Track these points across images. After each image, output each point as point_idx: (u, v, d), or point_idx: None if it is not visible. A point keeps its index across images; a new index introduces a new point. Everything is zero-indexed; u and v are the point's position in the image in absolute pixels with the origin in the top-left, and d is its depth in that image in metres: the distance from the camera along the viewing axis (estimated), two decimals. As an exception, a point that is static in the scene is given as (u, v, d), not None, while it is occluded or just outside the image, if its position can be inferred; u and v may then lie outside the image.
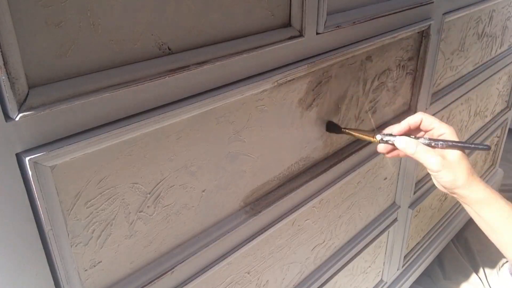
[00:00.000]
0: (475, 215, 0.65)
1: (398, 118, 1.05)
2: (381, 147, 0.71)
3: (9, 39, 0.38)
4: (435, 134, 0.66)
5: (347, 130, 0.79)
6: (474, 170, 0.63)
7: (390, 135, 0.69)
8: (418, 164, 1.25)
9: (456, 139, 0.64)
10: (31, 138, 0.43)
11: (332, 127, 0.81)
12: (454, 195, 0.65)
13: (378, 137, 0.70)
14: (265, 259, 0.81)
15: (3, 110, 0.40)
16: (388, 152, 0.71)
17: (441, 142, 0.64)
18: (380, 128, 0.73)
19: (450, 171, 0.62)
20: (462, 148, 0.63)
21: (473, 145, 0.65)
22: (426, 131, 0.68)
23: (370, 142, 0.74)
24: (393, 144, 0.68)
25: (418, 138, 0.66)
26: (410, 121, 0.67)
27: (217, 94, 0.58)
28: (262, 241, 0.78)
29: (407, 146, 0.65)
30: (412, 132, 0.69)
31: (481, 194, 0.62)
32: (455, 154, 0.63)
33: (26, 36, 0.40)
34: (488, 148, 0.64)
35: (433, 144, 0.64)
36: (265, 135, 0.70)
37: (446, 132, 0.64)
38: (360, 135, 0.76)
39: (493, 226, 0.62)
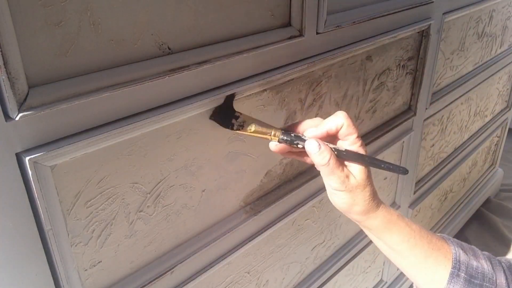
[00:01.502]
0: (376, 240, 0.60)
1: (398, 118, 1.05)
2: (273, 145, 0.58)
3: (9, 39, 0.38)
4: (349, 141, 0.56)
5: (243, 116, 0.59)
6: (376, 195, 0.57)
7: (297, 136, 0.56)
8: (418, 164, 1.25)
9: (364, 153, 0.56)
10: (31, 138, 0.43)
11: (224, 116, 0.60)
12: (351, 219, 0.59)
13: (281, 136, 0.57)
14: (265, 258, 0.81)
15: (3, 110, 0.40)
16: (284, 153, 0.59)
17: (353, 155, 0.55)
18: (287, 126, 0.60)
19: (350, 195, 0.55)
20: (375, 166, 0.56)
21: (387, 166, 0.56)
22: (339, 139, 0.57)
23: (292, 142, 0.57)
24: (297, 146, 0.56)
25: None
26: (330, 125, 0.55)
27: (217, 94, 0.58)
28: (262, 241, 0.78)
29: (321, 154, 0.54)
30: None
31: (379, 220, 0.57)
32: (360, 178, 0.55)
33: (26, 36, 0.40)
34: (404, 172, 0.55)
35: (343, 154, 0.55)
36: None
37: (357, 143, 0.56)
38: (257, 130, 0.58)
39: (396, 250, 0.57)
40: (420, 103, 1.10)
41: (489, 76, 1.49)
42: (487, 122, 1.70)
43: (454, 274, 0.53)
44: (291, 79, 0.70)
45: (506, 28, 1.50)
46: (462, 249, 0.56)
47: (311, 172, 0.83)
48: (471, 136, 1.59)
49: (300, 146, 0.56)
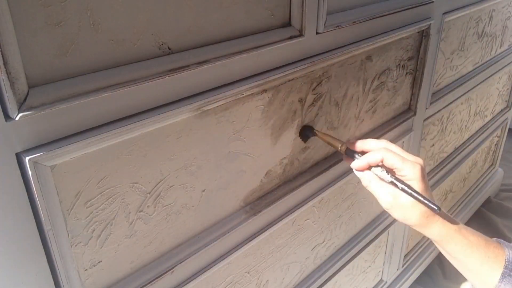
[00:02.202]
0: (439, 247, 0.65)
1: (398, 118, 1.05)
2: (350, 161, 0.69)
3: (9, 39, 0.38)
4: (397, 173, 0.64)
5: (319, 134, 0.76)
6: (430, 213, 0.62)
7: (353, 155, 0.68)
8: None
9: (419, 180, 0.62)
10: (31, 138, 0.43)
11: (305, 132, 0.77)
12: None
13: (343, 148, 0.70)
14: (265, 258, 0.81)
15: (3, 110, 0.40)
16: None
17: (396, 182, 0.62)
18: (350, 141, 0.71)
19: (400, 211, 0.62)
20: (415, 198, 0.61)
21: (424, 200, 0.60)
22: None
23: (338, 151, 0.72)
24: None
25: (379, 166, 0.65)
26: (370, 159, 0.65)
27: (217, 94, 0.58)
28: (262, 241, 0.78)
29: (362, 178, 0.66)
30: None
31: (435, 234, 0.62)
32: (406, 199, 0.62)
33: (26, 36, 0.40)
34: (437, 209, 0.59)
35: (388, 180, 0.63)
36: (265, 134, 0.70)
37: (408, 174, 0.62)
38: (330, 141, 0.74)
39: (453, 256, 0.63)
40: (420, 103, 1.10)
41: (489, 76, 1.49)
42: (487, 122, 1.70)
43: (505, 274, 0.58)
44: (291, 79, 0.70)
45: (506, 28, 1.50)
46: None
47: (311, 172, 0.83)
48: (471, 136, 1.59)
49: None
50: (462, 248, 0.61)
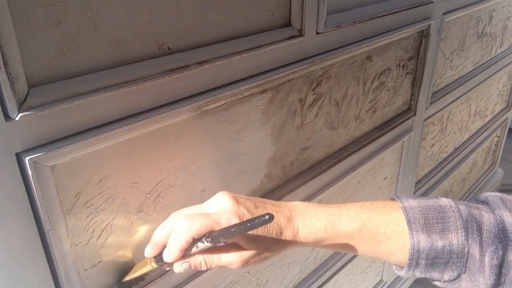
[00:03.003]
0: (346, 248, 0.53)
1: (398, 118, 1.05)
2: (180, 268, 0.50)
3: (9, 39, 0.38)
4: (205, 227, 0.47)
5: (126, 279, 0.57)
6: (282, 226, 0.49)
7: (160, 260, 0.50)
8: (418, 164, 1.25)
9: (232, 215, 0.47)
10: (31, 138, 0.43)
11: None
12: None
13: (154, 264, 0.52)
14: (265, 259, 0.81)
15: (3, 110, 0.40)
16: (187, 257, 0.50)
17: (222, 236, 0.46)
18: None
19: (263, 249, 0.49)
20: (244, 230, 0.46)
21: (251, 223, 0.45)
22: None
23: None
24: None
25: (198, 241, 0.47)
26: (180, 244, 0.47)
27: (217, 94, 0.58)
28: (262, 241, 0.78)
29: (197, 267, 0.49)
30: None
31: (322, 230, 0.50)
32: (249, 245, 0.49)
33: (26, 36, 0.40)
34: (269, 219, 0.44)
35: (219, 241, 0.47)
36: (265, 134, 0.70)
37: (222, 219, 0.47)
38: (139, 271, 0.55)
39: (354, 241, 0.52)
40: (420, 103, 1.10)
41: (489, 76, 1.49)
42: (487, 122, 1.70)
43: (412, 265, 0.50)
44: (291, 79, 0.70)
45: (506, 28, 1.50)
46: (424, 230, 0.50)
47: (311, 172, 0.83)
48: (471, 136, 1.59)
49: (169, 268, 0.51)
50: (355, 220, 0.51)
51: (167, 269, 0.52)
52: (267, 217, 0.44)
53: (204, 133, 0.60)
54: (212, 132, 0.61)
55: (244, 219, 0.47)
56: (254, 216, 0.48)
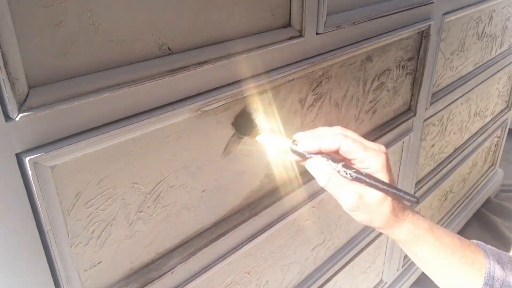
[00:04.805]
0: (406, 250, 0.57)
1: (398, 118, 1.05)
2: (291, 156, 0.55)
3: (9, 39, 0.38)
4: (358, 164, 0.52)
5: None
6: (399, 209, 0.53)
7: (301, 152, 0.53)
8: (418, 164, 1.25)
9: (385, 171, 0.51)
10: (31, 138, 0.43)
11: (245, 121, 0.63)
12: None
13: (291, 147, 0.54)
14: (265, 259, 0.81)
15: (3, 110, 0.40)
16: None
17: (363, 178, 0.50)
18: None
19: (366, 212, 0.52)
20: (385, 191, 0.50)
21: (398, 193, 0.50)
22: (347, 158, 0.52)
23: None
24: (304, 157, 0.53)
25: (336, 161, 0.51)
26: (322, 145, 0.51)
27: (217, 94, 0.58)
28: (262, 241, 0.78)
29: (319, 175, 0.51)
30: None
31: (404, 235, 0.53)
32: (375, 196, 0.51)
33: (26, 36, 0.40)
34: (415, 200, 0.50)
35: (351, 177, 0.50)
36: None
37: (371, 166, 0.51)
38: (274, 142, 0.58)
39: (425, 263, 0.55)
40: (420, 103, 1.10)
41: (489, 77, 1.49)
42: (487, 123, 1.70)
43: None
44: (291, 79, 0.70)
45: (506, 28, 1.50)
46: (499, 263, 0.52)
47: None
48: (471, 136, 1.59)
49: (302, 156, 0.53)
50: (435, 252, 0.53)
51: (294, 160, 0.55)
52: (414, 199, 0.50)
53: (204, 133, 0.60)
54: (212, 132, 0.61)
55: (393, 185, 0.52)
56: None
